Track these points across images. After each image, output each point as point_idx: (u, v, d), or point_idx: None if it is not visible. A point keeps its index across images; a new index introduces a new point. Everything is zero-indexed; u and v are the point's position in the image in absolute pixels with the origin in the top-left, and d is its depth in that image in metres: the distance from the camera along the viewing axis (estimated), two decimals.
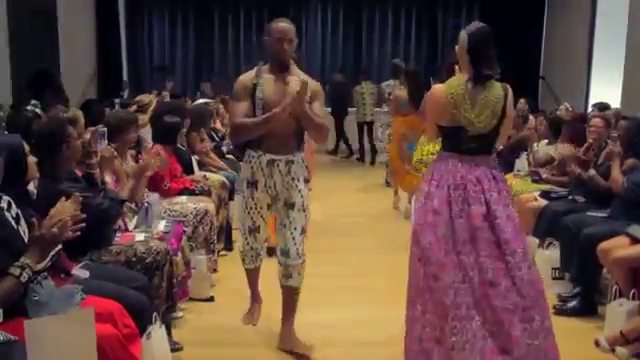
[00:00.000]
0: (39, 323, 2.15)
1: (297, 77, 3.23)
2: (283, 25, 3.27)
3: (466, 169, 2.91)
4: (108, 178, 3.60)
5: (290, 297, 3.40)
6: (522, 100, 6.97)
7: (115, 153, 3.83)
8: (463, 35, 2.99)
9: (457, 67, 3.04)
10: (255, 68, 3.33)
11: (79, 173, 3.44)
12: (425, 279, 2.89)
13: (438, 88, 2.99)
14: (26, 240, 2.41)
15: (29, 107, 5.38)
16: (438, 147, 3.19)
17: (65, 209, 2.34)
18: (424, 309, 2.89)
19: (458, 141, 2.93)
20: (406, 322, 2.98)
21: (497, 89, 2.94)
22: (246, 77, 3.31)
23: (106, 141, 3.76)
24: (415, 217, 3.08)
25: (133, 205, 3.73)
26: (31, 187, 3.06)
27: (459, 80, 2.95)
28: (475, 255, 2.83)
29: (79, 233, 2.37)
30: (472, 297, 2.81)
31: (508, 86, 2.98)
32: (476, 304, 2.81)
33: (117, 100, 6.78)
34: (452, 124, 2.92)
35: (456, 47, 3.02)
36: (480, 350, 2.76)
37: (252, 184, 3.33)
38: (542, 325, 2.85)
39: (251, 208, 3.38)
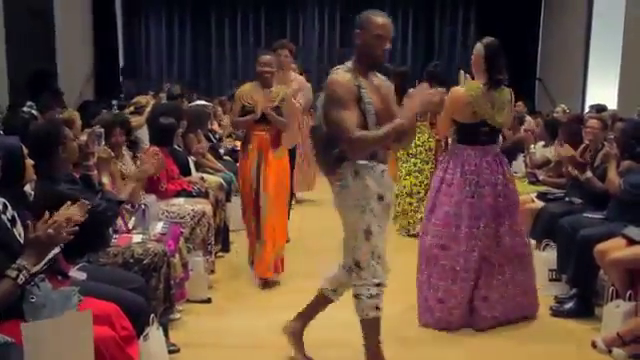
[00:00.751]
0: (37, 326, 2.15)
1: (380, 78, 2.94)
2: (385, 21, 2.82)
3: (479, 157, 3.63)
4: (105, 179, 3.60)
5: None
6: (520, 103, 7.03)
7: (112, 154, 3.83)
8: (479, 46, 3.64)
9: (461, 72, 3.73)
10: (342, 67, 2.88)
11: (76, 175, 3.43)
12: (430, 249, 3.69)
13: (459, 91, 3.63)
14: (22, 242, 2.40)
15: (25, 108, 5.38)
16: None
17: (66, 213, 2.33)
18: (429, 274, 3.71)
19: (474, 134, 3.64)
20: (416, 285, 3.78)
21: (506, 92, 3.69)
22: (344, 79, 2.80)
23: (103, 142, 3.76)
24: (429, 197, 3.87)
25: (129, 206, 3.73)
26: (28, 189, 3.05)
27: (477, 84, 3.61)
28: (483, 227, 3.62)
29: (74, 235, 2.37)
30: (478, 263, 3.64)
31: (511, 90, 3.72)
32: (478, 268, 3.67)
33: (114, 102, 6.78)
34: (471, 120, 3.60)
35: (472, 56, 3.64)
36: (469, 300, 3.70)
37: (381, 198, 2.86)
38: (512, 278, 3.73)
39: (380, 226, 2.86)
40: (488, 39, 3.64)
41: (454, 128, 3.69)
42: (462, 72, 3.68)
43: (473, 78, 3.67)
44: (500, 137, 3.98)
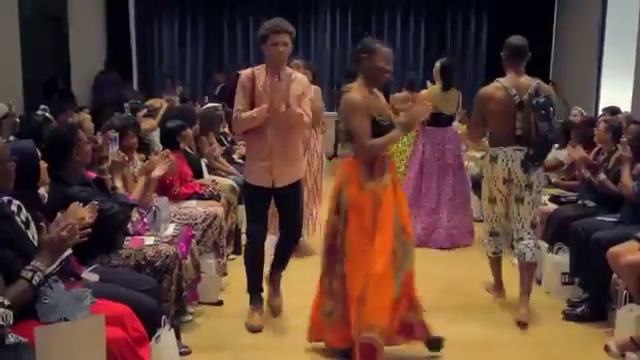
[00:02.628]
0: (49, 329, 2.17)
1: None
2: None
3: (442, 134, 5.62)
4: (118, 183, 3.63)
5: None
6: None
7: (126, 158, 3.86)
8: (437, 64, 5.63)
9: (428, 82, 5.65)
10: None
11: (92, 174, 3.47)
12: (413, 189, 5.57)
13: (424, 92, 5.69)
14: (35, 244, 2.43)
15: (39, 112, 5.44)
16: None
17: (76, 213, 2.36)
18: (416, 214, 5.45)
19: (437, 120, 5.45)
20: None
21: (454, 92, 5.74)
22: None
23: (117, 146, 3.80)
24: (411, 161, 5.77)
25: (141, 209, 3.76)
26: (42, 191, 3.09)
27: (436, 88, 5.68)
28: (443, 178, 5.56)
29: (87, 237, 2.39)
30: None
31: (459, 92, 5.71)
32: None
33: (127, 104, 6.82)
34: (434, 111, 4.45)
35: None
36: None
37: (509, 181, 3.84)
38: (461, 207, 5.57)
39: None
40: (443, 59, 5.66)
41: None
42: (429, 82, 5.94)
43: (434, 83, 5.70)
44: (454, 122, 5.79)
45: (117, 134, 3.84)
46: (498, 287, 4.28)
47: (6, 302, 2.08)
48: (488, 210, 4.08)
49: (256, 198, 3.79)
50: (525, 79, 3.94)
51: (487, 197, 4.05)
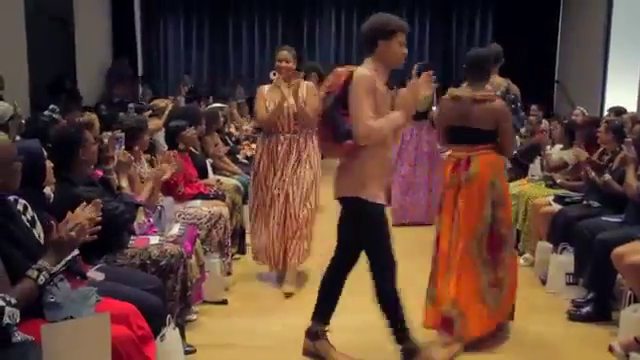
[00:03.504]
0: (55, 328, 2.18)
1: None
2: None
3: (417, 127, 6.41)
4: (124, 183, 3.64)
5: None
6: (534, 106, 7.37)
7: (132, 158, 3.88)
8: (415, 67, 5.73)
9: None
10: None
11: (99, 173, 3.49)
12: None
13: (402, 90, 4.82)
14: (41, 243, 2.45)
15: (46, 112, 5.46)
16: None
17: (84, 214, 2.37)
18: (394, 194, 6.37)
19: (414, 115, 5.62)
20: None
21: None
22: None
23: (123, 146, 3.81)
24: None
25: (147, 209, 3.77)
26: (48, 191, 3.11)
27: None
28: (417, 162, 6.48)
29: (96, 237, 2.41)
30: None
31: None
32: None
33: (131, 105, 6.85)
34: None
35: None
36: None
37: None
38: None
39: None
40: (419, 63, 6.07)
41: None
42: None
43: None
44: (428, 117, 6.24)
45: (123, 134, 3.85)
46: None
47: (13, 301, 2.09)
48: None
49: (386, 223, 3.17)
50: (498, 79, 4.68)
51: None
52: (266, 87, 4.48)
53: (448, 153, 3.71)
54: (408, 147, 6.42)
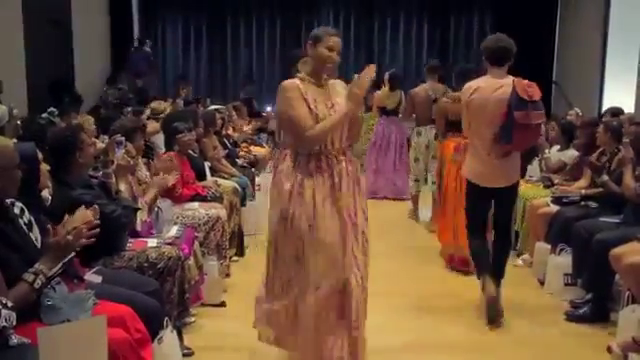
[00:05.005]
0: (52, 331, 2.18)
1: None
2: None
3: (388, 122, 7.94)
4: (122, 186, 3.64)
5: None
6: None
7: (131, 162, 3.87)
8: (387, 74, 7.75)
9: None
10: None
11: (96, 175, 3.49)
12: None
13: (379, 92, 7.84)
14: (38, 246, 2.45)
15: (44, 115, 5.46)
16: None
17: (82, 217, 2.37)
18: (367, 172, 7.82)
19: (384, 112, 7.97)
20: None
21: (397, 93, 7.85)
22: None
23: (123, 150, 3.81)
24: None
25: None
26: (45, 193, 3.11)
27: (385, 89, 7.77)
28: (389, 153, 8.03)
29: (93, 240, 2.40)
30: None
31: (402, 92, 7.73)
32: None
33: (129, 108, 6.84)
34: (381, 105, 7.88)
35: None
36: None
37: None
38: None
39: None
40: (391, 70, 8.10)
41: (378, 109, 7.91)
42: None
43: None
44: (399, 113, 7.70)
45: (123, 138, 3.85)
46: (415, 216, 6.75)
47: (9, 304, 2.09)
48: (414, 165, 6.83)
49: None
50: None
51: (413, 158, 6.84)
52: (297, 82, 3.01)
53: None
54: (381, 138, 7.90)
